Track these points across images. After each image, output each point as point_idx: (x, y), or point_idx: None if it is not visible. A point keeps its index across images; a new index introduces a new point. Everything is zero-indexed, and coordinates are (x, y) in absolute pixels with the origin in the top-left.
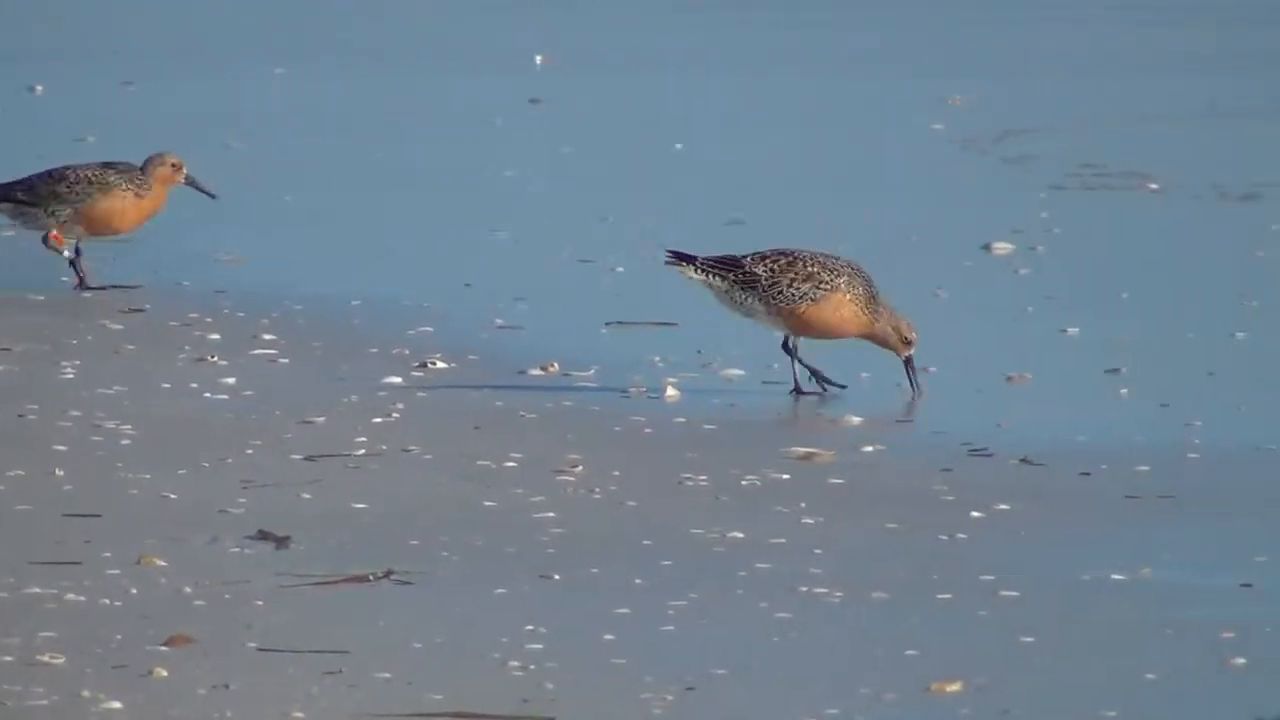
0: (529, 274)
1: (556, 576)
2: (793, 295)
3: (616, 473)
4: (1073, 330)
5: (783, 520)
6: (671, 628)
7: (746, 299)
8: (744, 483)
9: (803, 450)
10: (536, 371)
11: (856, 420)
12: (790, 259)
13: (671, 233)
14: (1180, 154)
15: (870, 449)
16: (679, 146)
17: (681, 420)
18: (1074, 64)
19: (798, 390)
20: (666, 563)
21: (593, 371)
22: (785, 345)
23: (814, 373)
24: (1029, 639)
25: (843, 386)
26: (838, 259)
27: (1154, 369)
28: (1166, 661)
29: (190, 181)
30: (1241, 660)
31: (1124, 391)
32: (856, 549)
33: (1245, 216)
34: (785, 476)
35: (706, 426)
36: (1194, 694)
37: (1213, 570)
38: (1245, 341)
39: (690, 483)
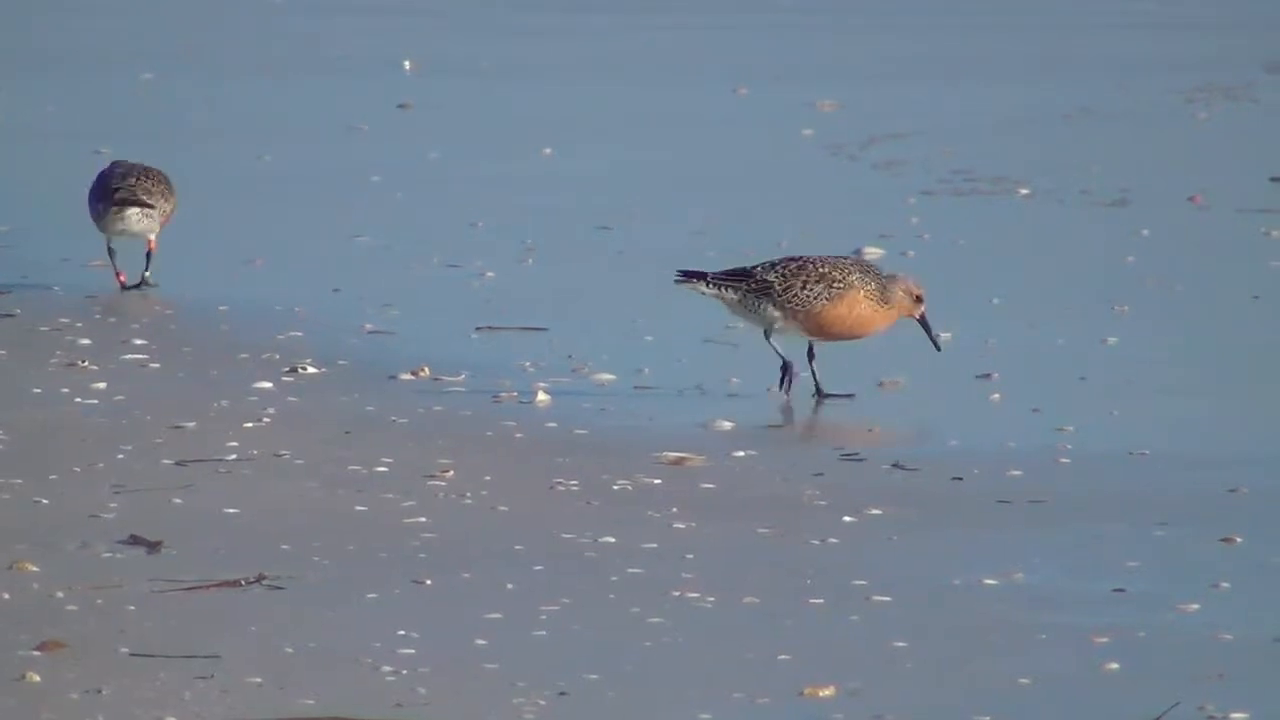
0: (398, 279)
1: (428, 581)
2: (808, 297)
3: (488, 477)
4: (944, 335)
5: (654, 525)
6: (544, 633)
7: (762, 306)
8: (615, 487)
9: (674, 455)
10: (407, 376)
11: (728, 425)
12: (800, 263)
13: (543, 239)
14: (1050, 159)
15: (742, 454)
16: (548, 152)
17: (553, 425)
18: (944, 69)
19: (820, 394)
20: (538, 567)
21: (463, 376)
22: (808, 351)
23: (794, 381)
24: (902, 643)
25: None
26: (843, 258)
27: (1025, 374)
28: (1039, 666)
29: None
30: (1115, 665)
31: (995, 397)
32: (728, 554)
33: (1115, 221)
34: (657, 481)
35: (578, 431)
36: (1067, 699)
37: (1085, 575)
38: (1116, 346)
39: (562, 487)
